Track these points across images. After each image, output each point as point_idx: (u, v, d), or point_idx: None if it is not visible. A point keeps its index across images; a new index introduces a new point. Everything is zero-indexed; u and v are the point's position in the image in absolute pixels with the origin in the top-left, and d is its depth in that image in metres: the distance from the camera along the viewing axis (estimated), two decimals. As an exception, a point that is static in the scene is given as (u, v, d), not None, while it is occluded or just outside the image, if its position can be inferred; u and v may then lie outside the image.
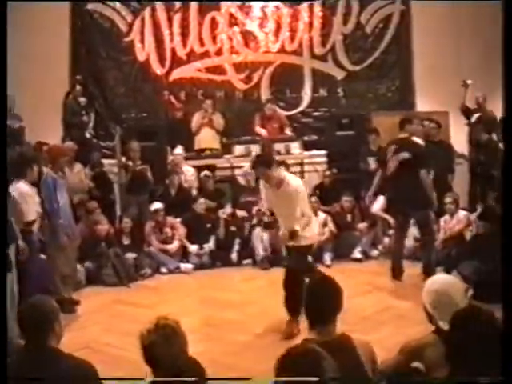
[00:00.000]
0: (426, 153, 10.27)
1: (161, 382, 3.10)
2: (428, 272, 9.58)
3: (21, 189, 8.31)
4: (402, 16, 15.77)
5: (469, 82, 12.76)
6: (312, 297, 4.35)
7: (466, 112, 12.87)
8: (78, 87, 13.83)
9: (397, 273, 10.20)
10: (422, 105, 15.17)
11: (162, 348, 3.77)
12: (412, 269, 10.87)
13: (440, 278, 4.85)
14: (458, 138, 13.37)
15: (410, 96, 15.78)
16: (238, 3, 15.46)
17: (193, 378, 3.74)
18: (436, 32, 14.91)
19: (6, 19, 6.60)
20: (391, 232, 12.06)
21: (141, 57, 15.31)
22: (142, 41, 15.31)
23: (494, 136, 13.15)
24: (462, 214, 11.37)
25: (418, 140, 10.65)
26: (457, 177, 12.37)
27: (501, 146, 11.58)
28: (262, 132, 13.80)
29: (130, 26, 15.28)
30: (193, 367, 3.98)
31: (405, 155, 9.97)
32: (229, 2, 15.42)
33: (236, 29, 15.47)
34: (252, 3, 15.52)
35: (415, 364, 4.45)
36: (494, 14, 13.54)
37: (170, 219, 12.12)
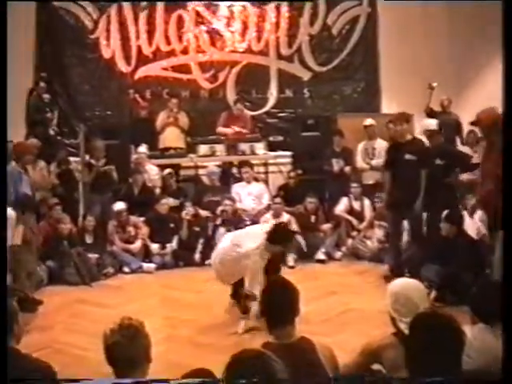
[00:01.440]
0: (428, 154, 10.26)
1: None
2: (395, 274, 9.62)
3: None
4: (369, 18, 15.87)
5: (434, 84, 12.80)
6: (269, 299, 4.34)
7: (431, 115, 12.92)
8: (42, 84, 13.70)
9: (395, 274, 10.05)
10: (388, 107, 15.24)
11: (125, 348, 3.73)
12: (376, 270, 10.94)
13: (401, 281, 4.87)
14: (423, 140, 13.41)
15: (375, 98, 15.88)
16: (205, 2, 15.40)
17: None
18: (402, 35, 15.00)
19: (6, 19, 6.51)
20: (354, 233, 12.12)
21: (106, 54, 15.24)
22: (108, 38, 15.24)
23: (458, 140, 13.27)
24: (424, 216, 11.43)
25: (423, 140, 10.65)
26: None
27: (462, 149, 11.66)
28: (228, 131, 13.76)
29: (96, 23, 15.20)
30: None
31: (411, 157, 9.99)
32: (196, 1, 15.36)
33: (202, 28, 15.45)
34: (219, 2, 15.47)
35: (375, 366, 4.46)
36: (463, 16, 13.69)
37: (133, 218, 12.05)
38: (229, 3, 15.51)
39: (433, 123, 10.41)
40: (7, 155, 7.21)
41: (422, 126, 10.71)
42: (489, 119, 8.13)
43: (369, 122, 13.03)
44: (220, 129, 13.87)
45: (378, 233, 11.87)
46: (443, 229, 9.68)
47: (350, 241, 12.15)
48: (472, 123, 8.64)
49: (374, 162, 12.70)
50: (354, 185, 12.52)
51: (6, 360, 3.90)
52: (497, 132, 7.64)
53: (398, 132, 10.46)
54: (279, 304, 4.26)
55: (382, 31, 15.72)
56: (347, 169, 12.95)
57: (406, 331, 4.00)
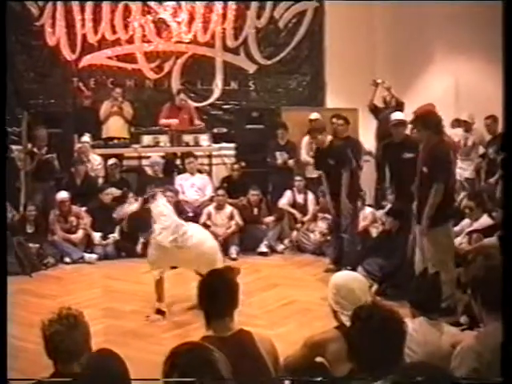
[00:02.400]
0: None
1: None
2: (337, 267, 9.71)
3: None
4: (316, 13, 15.88)
5: (379, 81, 12.89)
6: (206, 290, 4.28)
7: (374, 111, 13.01)
8: (-16, 70, 13.51)
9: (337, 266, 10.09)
10: (332, 101, 15.31)
11: (64, 338, 3.69)
12: (318, 263, 11.00)
13: (343, 274, 4.91)
14: (367, 135, 13.49)
15: (320, 92, 15.92)
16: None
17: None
18: (349, 30, 15.04)
19: (6, 19, 6.39)
20: (298, 226, 12.16)
21: (51, 42, 15.03)
22: (53, 26, 15.02)
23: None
24: (368, 210, 11.54)
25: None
26: (364, 174, 12.48)
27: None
28: (172, 122, 13.68)
29: (42, 10, 14.96)
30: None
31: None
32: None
33: (149, 17, 15.32)
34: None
35: (319, 359, 4.48)
36: (409, 14, 13.80)
37: (75, 208, 11.93)
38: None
39: (399, 115, 10.44)
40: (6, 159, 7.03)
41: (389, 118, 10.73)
42: (418, 115, 8.31)
43: (314, 115, 13.08)
44: (163, 120, 13.79)
45: (321, 226, 11.93)
46: (386, 222, 9.79)
47: (293, 234, 12.19)
48: (411, 122, 8.79)
49: (317, 156, 12.77)
50: (298, 178, 12.57)
51: (6, 360, 3.84)
52: (424, 127, 7.89)
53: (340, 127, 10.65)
54: (217, 296, 4.22)
55: (328, 26, 15.74)
56: (291, 162, 13.00)
57: (348, 324, 4.02)
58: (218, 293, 4.22)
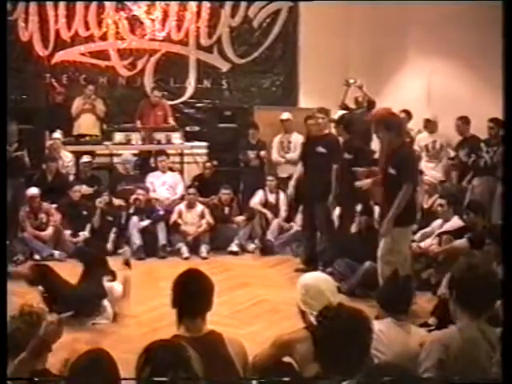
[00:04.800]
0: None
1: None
2: (308, 267, 9.74)
3: None
4: (290, 12, 15.91)
5: (351, 81, 12.91)
6: (181, 289, 4.24)
7: (345, 110, 13.04)
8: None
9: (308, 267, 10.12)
10: (305, 101, 15.32)
11: (25, 335, 3.67)
12: (289, 263, 11.02)
13: (312, 275, 4.92)
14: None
15: (293, 92, 15.95)
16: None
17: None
18: (324, 30, 15.02)
19: (6, 19, 6.32)
20: (272, 226, 12.15)
21: (24, 37, 14.94)
22: (26, 21, 14.92)
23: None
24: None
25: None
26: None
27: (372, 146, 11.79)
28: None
29: (15, 5, 14.84)
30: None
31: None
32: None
33: (122, 14, 15.27)
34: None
35: (287, 359, 4.48)
36: (384, 14, 13.84)
37: (45, 205, 11.85)
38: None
39: (338, 114, 10.60)
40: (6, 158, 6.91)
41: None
42: (377, 118, 8.44)
43: (285, 116, 13.11)
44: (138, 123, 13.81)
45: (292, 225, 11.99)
46: (360, 222, 9.85)
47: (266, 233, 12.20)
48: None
49: (289, 156, 12.80)
50: (270, 178, 12.57)
51: (6, 359, 3.81)
52: (385, 130, 7.95)
53: (318, 125, 10.67)
54: (191, 296, 4.19)
55: (302, 26, 15.77)
56: (261, 161, 13.01)
57: (316, 324, 4.03)
58: (192, 292, 4.19)
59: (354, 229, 10.28)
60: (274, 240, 11.94)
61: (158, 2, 15.40)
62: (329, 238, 10.41)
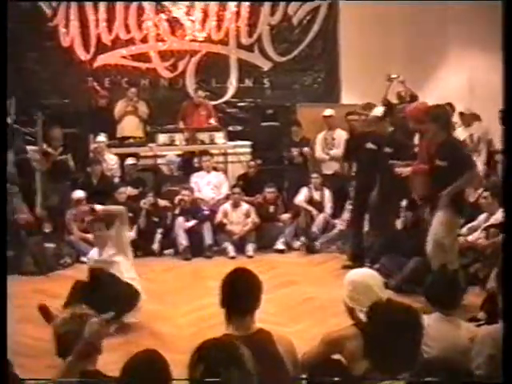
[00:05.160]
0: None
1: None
2: (355, 263, 9.70)
3: None
4: (330, 8, 15.81)
5: (393, 76, 12.83)
6: (230, 289, 4.23)
7: (387, 106, 12.93)
8: (-1, 71, 13.54)
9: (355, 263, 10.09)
10: (348, 97, 15.24)
11: (75, 337, 3.69)
12: (336, 260, 10.98)
13: (359, 271, 4.90)
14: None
15: (335, 88, 15.85)
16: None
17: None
18: (363, 25, 14.96)
19: (6, 19, 6.38)
20: (317, 222, 12.10)
21: (65, 42, 15.05)
22: (67, 26, 15.04)
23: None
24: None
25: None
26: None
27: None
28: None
29: (55, 10, 14.98)
30: None
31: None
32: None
33: (162, 16, 15.31)
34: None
35: (336, 356, 4.46)
36: (424, 8, 13.74)
37: (91, 208, 11.93)
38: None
39: (379, 110, 10.47)
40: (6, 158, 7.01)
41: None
42: (415, 112, 8.37)
43: (328, 112, 13.04)
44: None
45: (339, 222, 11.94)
46: (406, 218, 9.78)
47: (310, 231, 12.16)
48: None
49: (332, 152, 12.72)
50: (314, 175, 12.51)
51: (6, 359, 3.86)
52: (431, 122, 7.93)
53: (362, 121, 10.64)
54: (240, 294, 4.18)
55: (342, 22, 15.68)
56: (305, 159, 12.96)
57: (365, 320, 4.00)
58: (241, 291, 4.19)
59: (399, 225, 10.21)
60: (319, 237, 11.89)
61: (197, 3, 15.42)
62: (376, 233, 10.36)
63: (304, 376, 4.46)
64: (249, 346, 3.25)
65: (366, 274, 4.72)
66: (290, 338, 4.38)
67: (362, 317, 4.25)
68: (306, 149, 12.97)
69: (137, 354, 3.39)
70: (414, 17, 14.35)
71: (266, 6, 15.63)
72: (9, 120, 13.32)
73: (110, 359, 3.96)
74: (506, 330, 3.38)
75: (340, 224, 11.93)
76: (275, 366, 3.98)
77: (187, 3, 15.40)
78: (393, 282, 8.81)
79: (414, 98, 12.41)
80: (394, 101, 12.94)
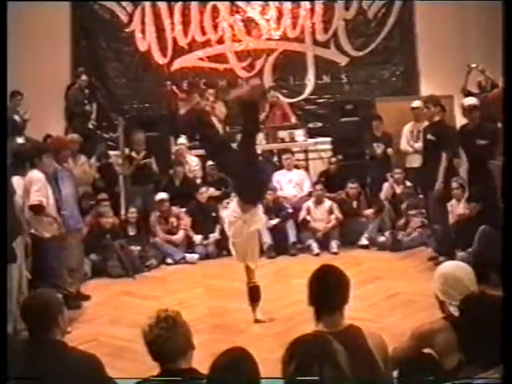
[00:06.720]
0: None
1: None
2: (441, 255, 9.60)
3: (31, 175, 8.18)
4: (405, 0, 15.65)
5: (473, 65, 12.61)
6: (318, 286, 4.20)
7: (468, 96, 12.72)
8: (84, 77, 13.82)
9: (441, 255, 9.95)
10: (427, 89, 15.03)
11: (165, 341, 3.72)
12: (420, 254, 10.87)
13: (450, 264, 4.82)
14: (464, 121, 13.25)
15: (414, 81, 15.70)
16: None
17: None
18: (439, 16, 14.81)
19: (6, 19, 6.51)
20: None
21: (142, 47, 15.25)
22: (143, 31, 15.23)
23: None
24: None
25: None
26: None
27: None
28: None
29: (131, 16, 15.21)
30: None
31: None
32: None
33: (237, 17, 15.39)
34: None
35: (427, 350, 4.39)
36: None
37: (174, 209, 12.06)
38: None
39: (471, 100, 10.24)
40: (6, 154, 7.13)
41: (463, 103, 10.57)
42: (495, 99, 8.14)
43: (416, 104, 12.62)
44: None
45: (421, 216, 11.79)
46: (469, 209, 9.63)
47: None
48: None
49: (417, 145, 12.41)
50: (398, 170, 12.35)
51: (6, 360, 3.90)
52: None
53: (427, 114, 10.46)
54: (329, 292, 4.14)
55: (418, 13, 15.52)
56: (390, 151, 12.81)
57: (456, 314, 3.93)
58: (330, 288, 4.15)
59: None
60: (404, 231, 11.76)
61: (271, 2, 15.43)
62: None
63: (395, 372, 4.42)
64: (340, 343, 3.22)
65: (458, 267, 4.63)
66: (380, 333, 4.34)
67: (453, 310, 4.19)
68: (387, 145, 12.83)
69: (225, 351, 3.40)
70: (490, 5, 14.08)
71: (340, 1, 15.56)
72: (90, 126, 13.61)
73: (198, 357, 3.96)
74: (506, 330, 3.29)
75: (422, 217, 11.76)
76: (367, 362, 3.94)
77: (261, 2, 15.42)
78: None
79: (495, 86, 12.14)
80: (475, 90, 12.71)
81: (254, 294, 8.10)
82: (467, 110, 9.98)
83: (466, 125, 10.26)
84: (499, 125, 9.72)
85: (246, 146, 7.86)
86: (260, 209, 8.21)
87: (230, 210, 8.15)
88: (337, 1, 15.58)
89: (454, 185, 10.36)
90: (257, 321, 8.03)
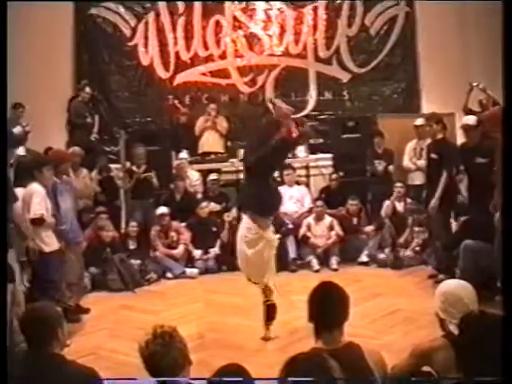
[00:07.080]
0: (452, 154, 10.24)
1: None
2: (441, 273, 9.59)
3: (31, 188, 8.19)
4: (407, 18, 15.69)
5: (474, 84, 12.61)
6: (318, 303, 4.23)
7: (469, 114, 12.72)
8: (88, 90, 13.86)
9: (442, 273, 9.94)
10: (429, 107, 15.05)
11: (162, 357, 3.72)
12: (420, 272, 10.86)
13: (451, 282, 4.81)
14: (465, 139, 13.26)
15: (415, 98, 15.71)
16: (242, 6, 15.39)
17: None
18: (442, 33, 14.84)
19: (6, 19, 6.52)
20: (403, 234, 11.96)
21: (145, 61, 15.24)
22: (146, 45, 15.23)
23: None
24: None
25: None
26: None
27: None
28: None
29: (134, 30, 15.19)
30: None
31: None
32: (232, 6, 15.36)
33: (240, 32, 15.40)
34: (256, 5, 15.44)
35: (426, 368, 4.39)
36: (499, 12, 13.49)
37: (175, 224, 12.07)
38: (266, 6, 15.45)
39: (470, 119, 10.25)
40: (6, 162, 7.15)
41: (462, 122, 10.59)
42: (492, 117, 8.15)
43: (420, 121, 12.63)
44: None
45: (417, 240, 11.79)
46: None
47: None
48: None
49: (419, 163, 12.41)
50: (399, 185, 12.33)
51: (6, 360, 3.90)
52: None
53: (430, 132, 10.51)
54: (329, 309, 4.18)
55: (420, 30, 15.56)
56: (391, 168, 12.82)
57: (456, 332, 3.93)
58: (329, 305, 4.18)
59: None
60: (404, 249, 11.75)
61: (274, 18, 15.45)
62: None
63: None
64: (338, 360, 3.23)
65: (458, 286, 4.63)
66: (379, 350, 4.33)
67: (453, 328, 4.18)
68: (388, 162, 12.85)
69: (221, 367, 3.39)
70: (493, 20, 14.10)
71: (343, 18, 15.59)
72: (92, 138, 13.62)
73: (193, 374, 3.96)
74: (506, 330, 3.29)
75: (423, 234, 11.74)
76: (366, 380, 3.94)
77: (264, 18, 15.46)
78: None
79: (496, 105, 12.15)
80: (476, 109, 12.72)
81: (270, 313, 7.96)
82: (466, 129, 10.00)
83: (466, 143, 10.27)
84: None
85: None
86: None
87: (243, 229, 8.05)
88: (339, 17, 15.60)
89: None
90: (267, 339, 7.98)
